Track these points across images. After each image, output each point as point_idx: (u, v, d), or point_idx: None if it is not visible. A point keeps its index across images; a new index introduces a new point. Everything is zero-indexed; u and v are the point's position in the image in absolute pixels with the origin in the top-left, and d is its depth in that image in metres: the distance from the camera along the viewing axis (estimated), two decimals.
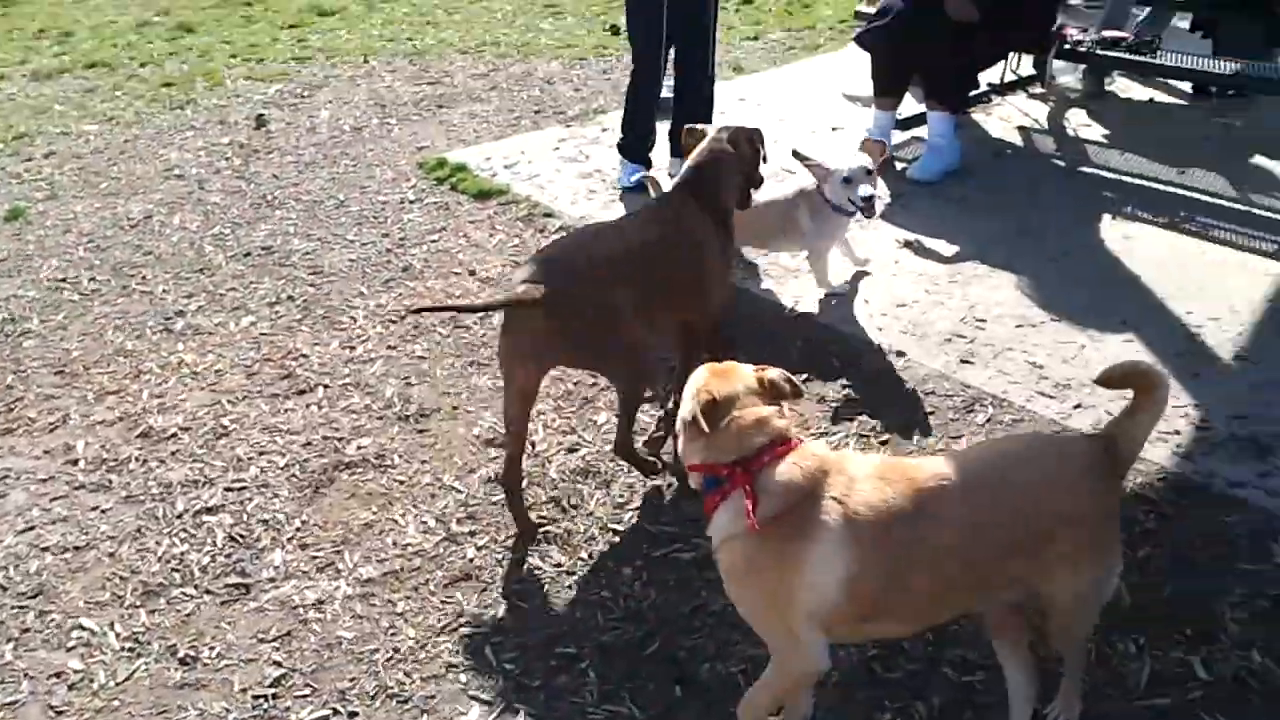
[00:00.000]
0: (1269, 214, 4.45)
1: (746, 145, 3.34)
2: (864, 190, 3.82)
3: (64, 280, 4.71)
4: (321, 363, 3.96)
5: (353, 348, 4.04)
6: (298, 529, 3.15)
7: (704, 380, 2.23)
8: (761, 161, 3.41)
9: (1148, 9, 5.78)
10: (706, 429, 2.13)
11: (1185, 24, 5.90)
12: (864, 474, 2.10)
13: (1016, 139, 5.50)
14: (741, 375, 2.24)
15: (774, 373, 2.27)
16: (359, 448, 3.48)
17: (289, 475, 3.37)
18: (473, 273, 4.51)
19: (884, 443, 3.28)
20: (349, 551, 3.05)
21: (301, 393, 3.79)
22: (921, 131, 5.30)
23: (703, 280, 3.19)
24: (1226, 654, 2.46)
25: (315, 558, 3.04)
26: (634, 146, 5.10)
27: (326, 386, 3.81)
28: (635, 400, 3.08)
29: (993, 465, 2.17)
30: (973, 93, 5.45)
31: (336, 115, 6.46)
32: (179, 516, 3.23)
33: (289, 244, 4.84)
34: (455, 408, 3.67)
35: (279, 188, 5.48)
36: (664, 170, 5.11)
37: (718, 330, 3.39)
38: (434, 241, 4.81)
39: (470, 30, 8.07)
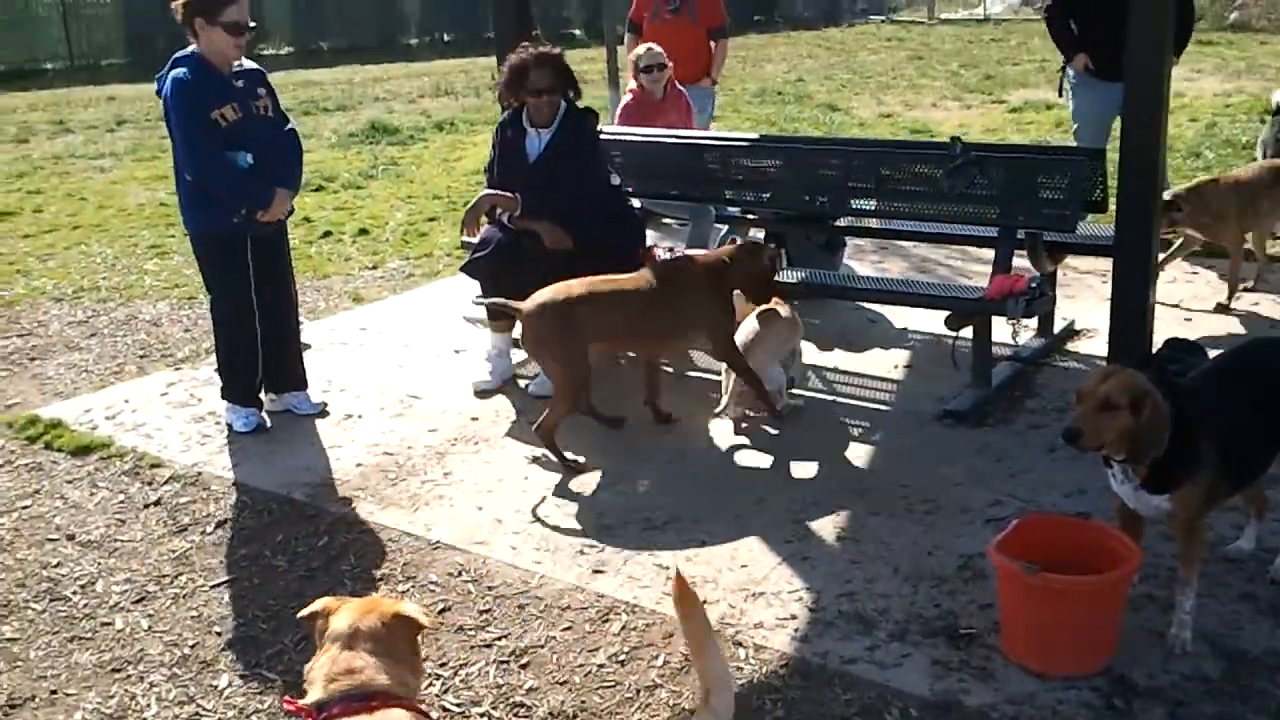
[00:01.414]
0: (854, 402, 4.94)
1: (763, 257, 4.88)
2: None
3: None
4: None
5: None
6: None
7: (338, 605, 2.20)
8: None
9: (726, 227, 6.42)
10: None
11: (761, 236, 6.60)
12: None
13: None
14: (370, 614, 2.19)
15: (408, 608, 2.23)
16: None
17: None
18: (71, 537, 4.13)
19: (524, 666, 3.25)
20: None
21: None
22: None
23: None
24: None
25: None
26: (240, 391, 4.96)
27: None
28: (564, 398, 4.48)
29: None
30: None
31: None
32: None
33: None
34: (54, 692, 3.27)
35: None
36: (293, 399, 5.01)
37: (733, 361, 4.73)
38: (25, 508, 4.36)
39: (67, 276, 7.62)
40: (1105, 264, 5.98)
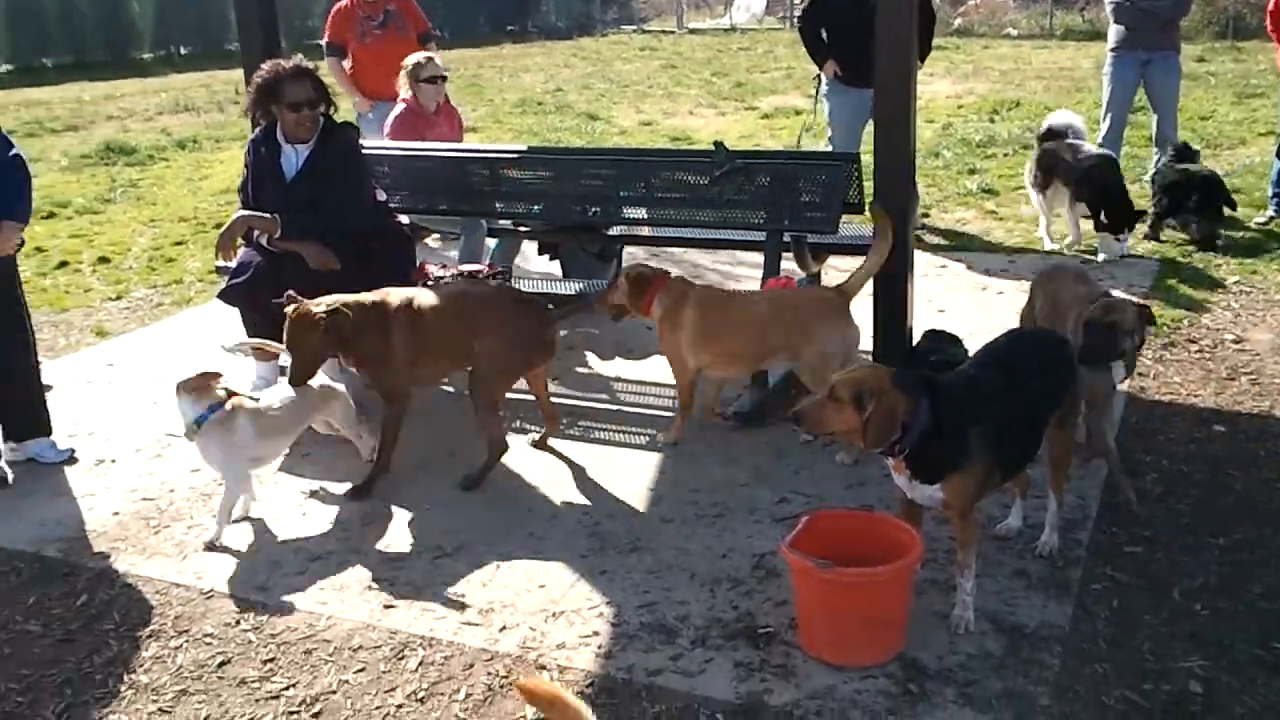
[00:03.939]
0: (638, 410, 4.95)
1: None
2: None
3: None
4: None
5: None
6: None
7: None
8: None
9: (497, 240, 6.34)
10: None
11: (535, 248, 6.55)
12: None
13: None
14: None
15: None
16: None
17: None
18: None
19: (316, 715, 3.07)
20: None
21: None
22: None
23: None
24: None
25: None
26: None
27: None
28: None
29: None
30: None
31: None
32: None
33: None
34: None
35: None
36: None
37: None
38: None
39: None
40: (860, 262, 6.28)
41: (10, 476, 4.52)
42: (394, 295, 4.40)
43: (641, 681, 3.09)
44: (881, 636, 3.12)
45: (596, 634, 3.33)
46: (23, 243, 4.55)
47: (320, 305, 4.17)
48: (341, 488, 4.37)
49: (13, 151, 4.49)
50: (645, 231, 6.17)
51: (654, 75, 18.02)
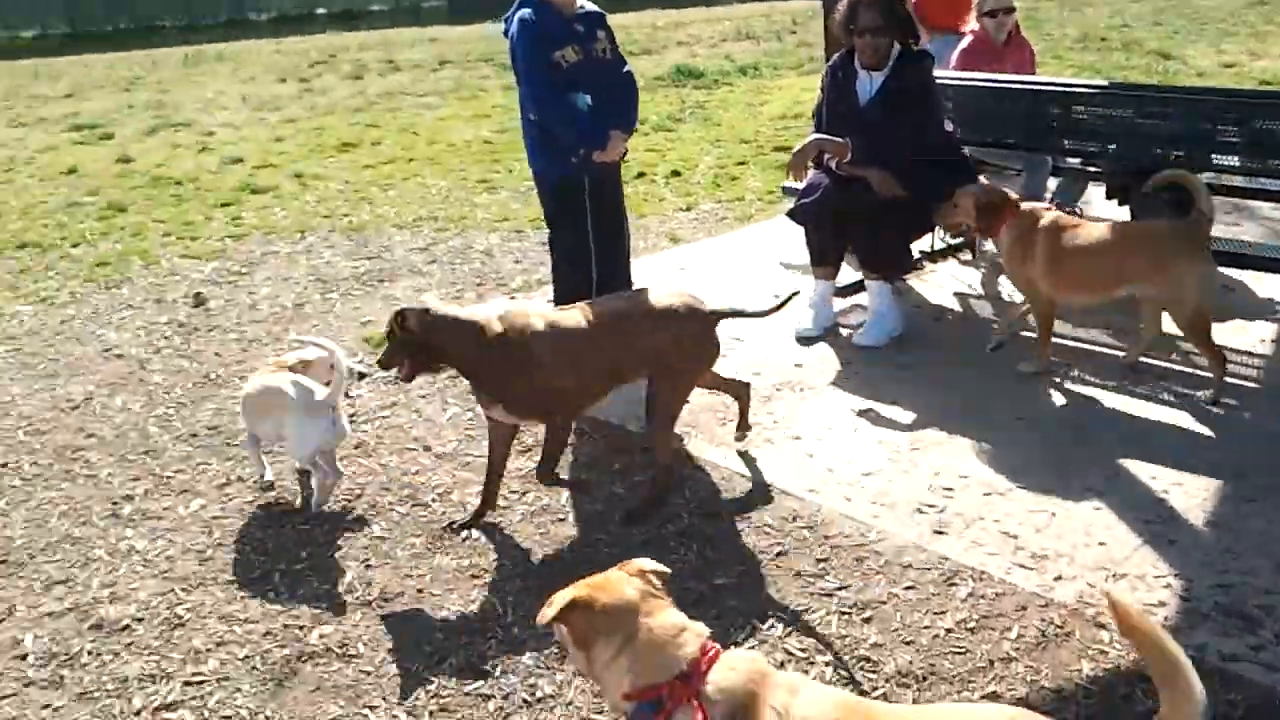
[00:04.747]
0: (1200, 372, 4.56)
1: None
2: None
3: (4, 465, 4.48)
4: (277, 546, 3.79)
5: (308, 529, 3.88)
6: None
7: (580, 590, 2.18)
8: None
9: (1059, 180, 6.06)
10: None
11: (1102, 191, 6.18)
12: (808, 696, 2.04)
13: (954, 304, 5.66)
14: (620, 582, 2.19)
15: (645, 563, 2.24)
16: (321, 636, 3.30)
17: (250, 667, 3.18)
18: (428, 448, 4.41)
19: (867, 620, 3.22)
20: None
21: (257, 579, 3.61)
22: (862, 298, 5.41)
23: None
24: None
25: None
26: None
27: (283, 571, 3.64)
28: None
29: None
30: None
31: (276, 291, 6.39)
32: (137, 714, 3.01)
33: (236, 424, 4.64)
34: (420, 590, 3.51)
35: (222, 366, 5.34)
36: None
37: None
38: (385, 418, 4.70)
39: (406, 206, 8.14)
40: None
41: None
42: (530, 313, 3.83)
43: (1214, 664, 2.90)
44: None
45: (1162, 604, 3.17)
46: (625, 152, 5.01)
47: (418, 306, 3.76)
48: (890, 410, 4.48)
49: (625, 68, 4.98)
50: (1237, 181, 5.60)
51: (1239, 12, 16.13)
